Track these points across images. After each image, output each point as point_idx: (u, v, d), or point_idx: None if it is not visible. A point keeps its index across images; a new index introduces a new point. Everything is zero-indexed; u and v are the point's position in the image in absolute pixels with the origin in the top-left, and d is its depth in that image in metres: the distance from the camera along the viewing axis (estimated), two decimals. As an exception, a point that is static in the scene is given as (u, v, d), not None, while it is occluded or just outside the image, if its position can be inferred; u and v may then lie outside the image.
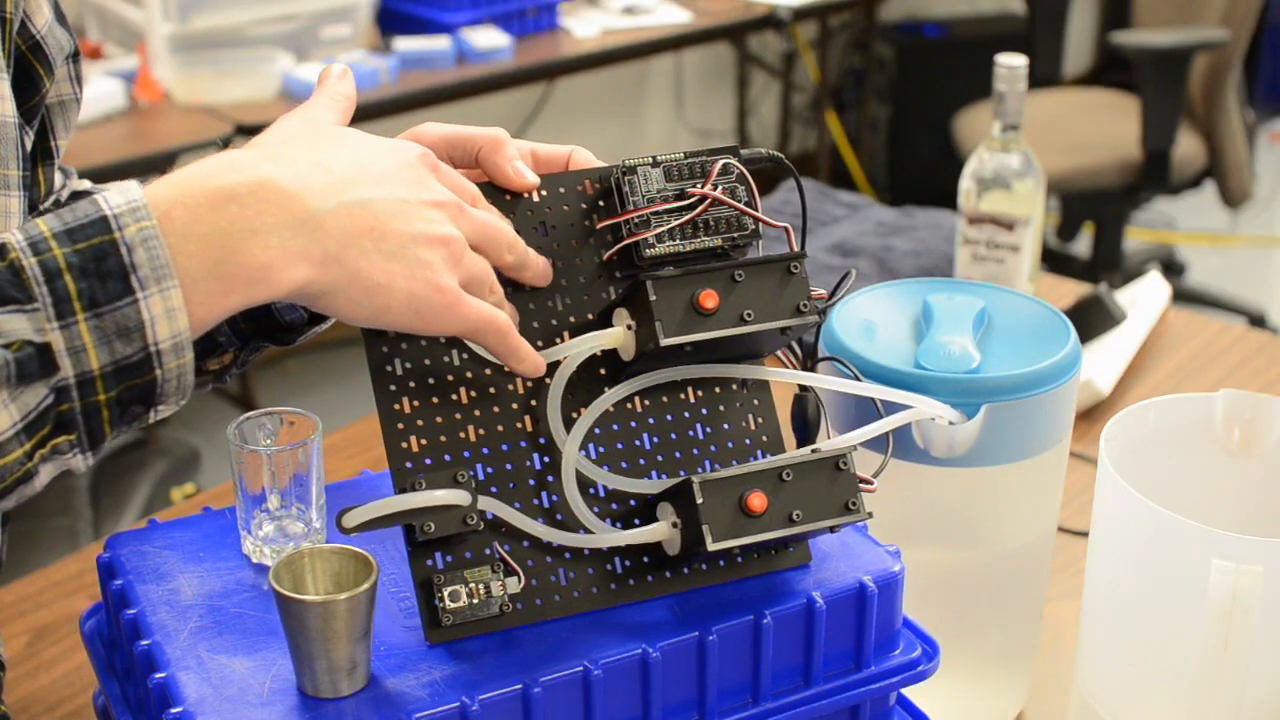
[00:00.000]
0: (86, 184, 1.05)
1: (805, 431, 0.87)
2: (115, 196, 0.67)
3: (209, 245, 0.67)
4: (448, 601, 0.75)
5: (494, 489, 0.78)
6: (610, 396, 0.80)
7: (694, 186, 0.82)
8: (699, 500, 0.75)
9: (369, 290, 0.70)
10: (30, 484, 0.67)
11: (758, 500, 0.76)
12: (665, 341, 0.76)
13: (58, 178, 1.02)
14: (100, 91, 2.56)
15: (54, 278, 0.65)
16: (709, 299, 0.76)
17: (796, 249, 0.81)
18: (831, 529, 0.78)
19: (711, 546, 0.75)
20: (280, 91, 2.76)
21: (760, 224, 0.83)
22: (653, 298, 0.76)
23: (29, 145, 0.92)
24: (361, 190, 0.71)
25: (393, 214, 0.71)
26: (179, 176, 0.69)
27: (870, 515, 0.78)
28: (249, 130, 2.65)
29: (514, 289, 0.81)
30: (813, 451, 0.79)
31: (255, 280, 0.68)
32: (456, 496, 0.74)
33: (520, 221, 0.82)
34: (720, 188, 0.82)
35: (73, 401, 0.66)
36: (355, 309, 0.71)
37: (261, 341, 0.95)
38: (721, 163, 0.82)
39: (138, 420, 0.69)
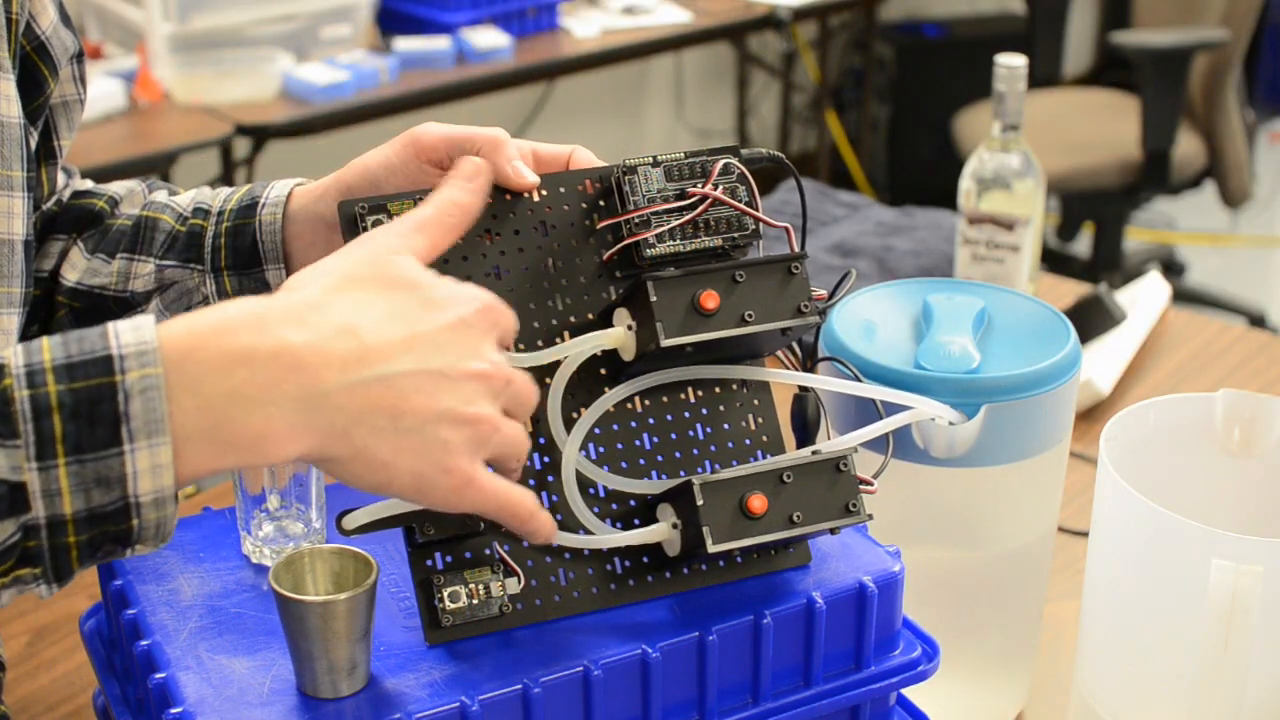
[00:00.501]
0: (88, 184, 1.05)
1: (805, 431, 0.87)
2: (127, 334, 0.64)
3: (209, 408, 0.64)
4: (447, 602, 0.75)
5: (494, 489, 0.78)
6: (611, 397, 0.80)
7: (695, 186, 0.82)
8: (699, 502, 0.75)
9: (371, 467, 0.67)
10: None
11: (758, 502, 0.76)
12: (666, 342, 0.76)
13: (60, 177, 1.02)
14: (100, 91, 2.56)
15: (42, 416, 0.62)
16: (710, 299, 0.76)
17: (797, 249, 0.81)
18: (832, 531, 0.78)
19: (712, 548, 0.75)
20: (280, 91, 2.76)
21: (761, 224, 0.83)
22: (653, 298, 0.76)
23: (33, 146, 0.92)
24: (389, 364, 0.66)
25: (418, 390, 0.66)
26: (198, 323, 0.65)
27: (870, 517, 0.78)
28: (249, 130, 2.66)
29: (514, 288, 0.81)
30: (813, 453, 0.79)
31: (251, 449, 0.65)
32: None
33: (520, 221, 0.82)
34: (721, 188, 0.82)
35: (40, 540, 0.64)
36: (356, 481, 0.68)
37: None
38: (722, 163, 0.82)
39: (111, 557, 0.67)
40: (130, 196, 1.01)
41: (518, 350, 0.79)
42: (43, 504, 0.63)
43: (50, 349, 0.64)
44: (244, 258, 0.94)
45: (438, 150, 0.85)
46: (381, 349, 0.66)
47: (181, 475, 0.65)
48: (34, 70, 0.91)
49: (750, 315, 0.77)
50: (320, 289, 0.68)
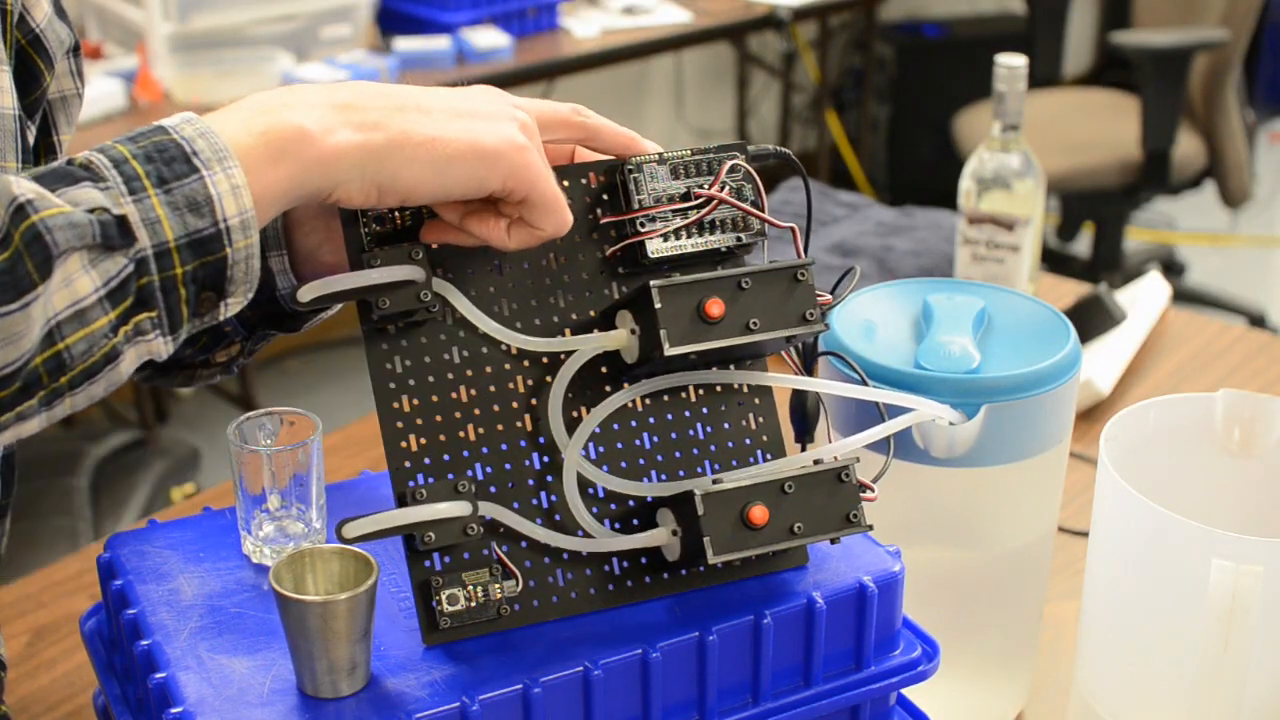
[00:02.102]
0: None
1: (804, 426, 0.87)
2: (169, 120, 0.71)
3: (254, 126, 0.71)
4: (445, 604, 0.75)
5: (493, 489, 0.78)
6: (613, 401, 0.79)
7: (700, 184, 0.82)
8: (700, 512, 0.75)
9: (420, 147, 0.73)
10: (116, 367, 0.69)
11: (759, 512, 0.75)
12: (670, 351, 0.75)
13: None
14: (100, 91, 2.56)
15: (121, 163, 0.68)
16: (715, 306, 0.76)
17: (802, 250, 0.81)
18: (832, 540, 0.78)
19: (712, 559, 0.74)
20: (280, 91, 2.76)
21: (766, 224, 0.82)
22: (658, 305, 0.76)
23: (31, 140, 0.92)
24: (403, 96, 0.75)
25: (436, 106, 0.74)
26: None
27: (871, 527, 0.78)
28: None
29: (515, 283, 0.80)
30: (815, 462, 0.79)
31: (301, 145, 0.70)
32: (458, 509, 0.74)
33: None
34: (726, 187, 0.82)
35: (151, 275, 0.68)
36: (412, 179, 0.73)
37: (268, 330, 0.95)
38: (730, 162, 0.82)
39: (210, 312, 0.71)
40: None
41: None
42: (146, 232, 0.67)
43: (111, 139, 0.70)
44: None
45: None
46: (388, 95, 0.75)
47: (261, 194, 0.70)
48: (29, 64, 0.91)
49: (755, 323, 0.77)
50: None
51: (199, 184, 0.69)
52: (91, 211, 0.66)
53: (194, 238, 0.68)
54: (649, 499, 0.80)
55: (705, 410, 0.83)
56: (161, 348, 0.70)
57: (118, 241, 0.67)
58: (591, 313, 0.81)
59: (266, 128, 0.71)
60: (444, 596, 0.75)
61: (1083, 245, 3.86)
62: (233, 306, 0.71)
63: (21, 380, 0.66)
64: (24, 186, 0.66)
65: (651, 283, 0.76)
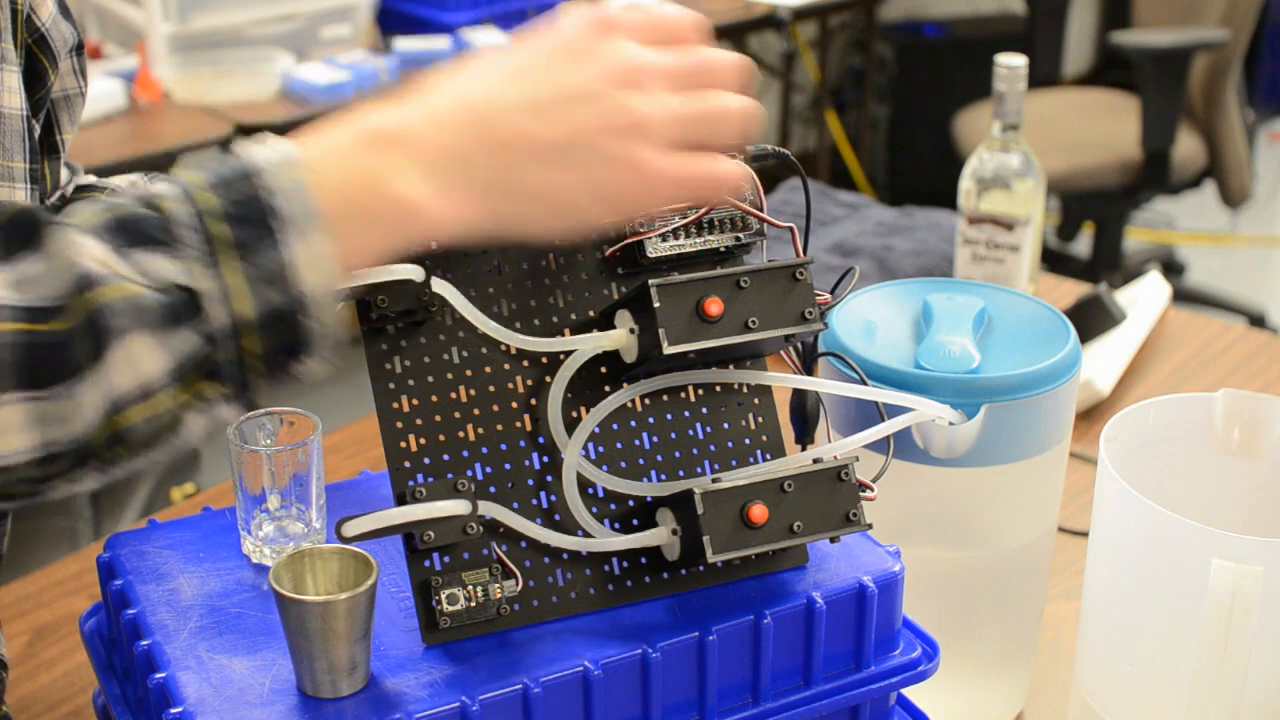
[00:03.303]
0: (92, 178, 1.05)
1: (804, 426, 0.87)
2: (261, 150, 0.67)
3: (358, 190, 0.66)
4: (445, 604, 0.75)
5: (493, 489, 0.78)
6: (612, 401, 0.79)
7: None
8: (700, 511, 0.75)
9: (539, 204, 0.69)
10: (178, 434, 0.66)
11: (759, 511, 0.75)
12: (669, 350, 0.75)
13: (64, 173, 1.03)
14: (100, 91, 2.56)
15: (202, 223, 0.64)
16: (713, 306, 0.76)
17: (801, 250, 0.81)
18: (832, 539, 0.78)
19: (712, 558, 0.75)
20: (280, 91, 2.76)
21: (765, 224, 0.82)
22: (657, 304, 0.76)
23: (36, 138, 0.92)
24: (505, 107, 0.68)
25: (544, 119, 0.68)
26: (325, 127, 0.68)
27: (870, 526, 0.78)
28: (249, 130, 2.65)
29: (514, 283, 0.80)
30: (815, 461, 0.79)
31: (409, 221, 0.67)
32: (457, 507, 0.74)
33: None
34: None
35: (223, 350, 0.65)
36: (537, 225, 0.70)
37: None
38: None
39: (287, 373, 0.68)
40: (132, 189, 1.01)
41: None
42: (221, 308, 0.64)
43: (196, 173, 0.66)
44: None
45: None
46: (491, 98, 0.68)
47: (348, 263, 0.67)
48: (35, 63, 0.91)
49: (754, 322, 0.77)
50: (442, 75, 0.71)
51: (282, 253, 0.64)
52: (158, 289, 0.63)
53: (272, 313, 0.65)
54: (649, 499, 0.80)
55: (705, 410, 0.83)
56: (230, 415, 0.67)
57: (188, 317, 0.64)
58: (591, 313, 0.81)
59: (369, 192, 0.66)
60: (444, 596, 0.75)
61: (1083, 245, 3.86)
62: (312, 366, 0.68)
63: (73, 457, 0.63)
64: (92, 252, 0.63)
65: (650, 281, 0.76)
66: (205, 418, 0.67)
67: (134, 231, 0.64)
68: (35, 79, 0.91)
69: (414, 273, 0.74)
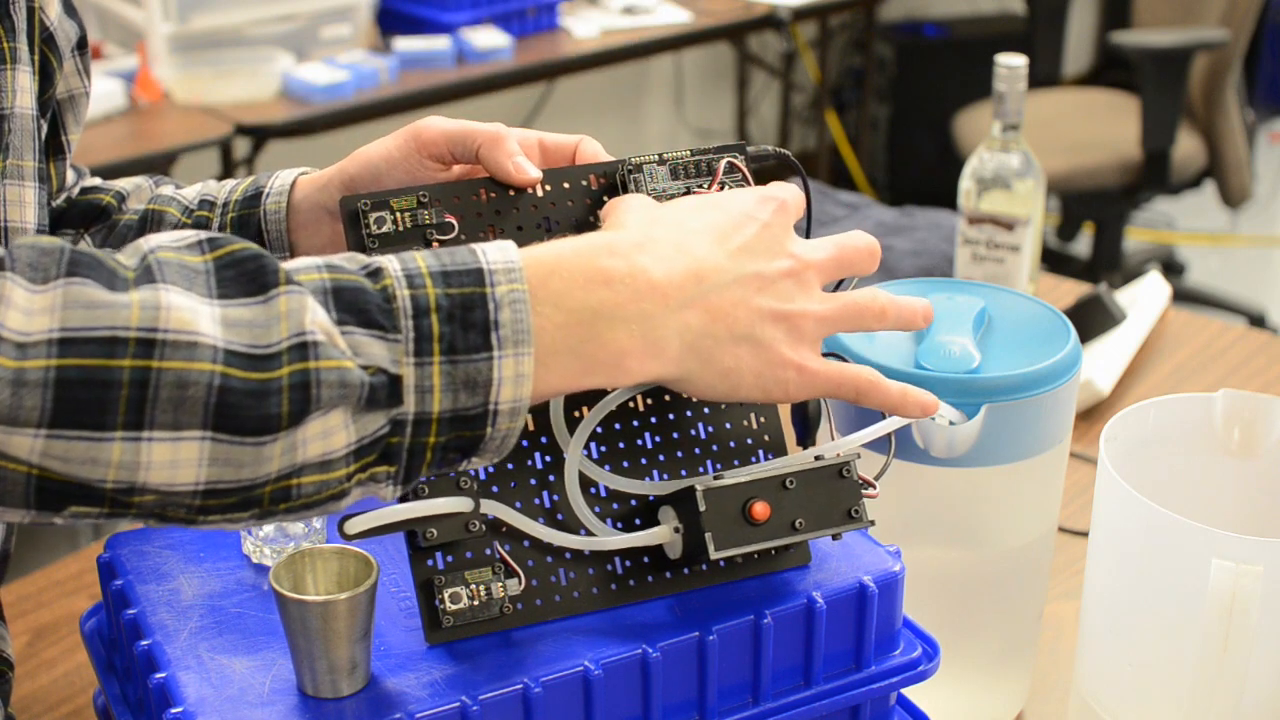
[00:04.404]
0: (97, 180, 1.05)
1: (805, 428, 0.87)
2: (494, 253, 0.67)
3: (575, 323, 0.68)
4: (448, 603, 0.75)
5: (495, 488, 0.78)
6: (614, 398, 0.79)
7: (700, 185, 0.82)
8: (702, 508, 0.75)
9: (719, 376, 0.72)
10: (340, 502, 0.67)
11: (761, 508, 0.76)
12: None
13: (70, 175, 1.03)
14: (100, 91, 2.56)
15: (422, 315, 0.65)
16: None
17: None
18: (834, 536, 0.78)
19: (714, 555, 0.75)
20: (280, 91, 2.76)
21: None
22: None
23: (43, 139, 0.92)
24: (719, 277, 0.72)
25: (743, 298, 0.72)
26: (557, 248, 0.69)
27: (872, 523, 0.78)
28: (249, 130, 2.66)
29: None
30: (816, 459, 0.79)
31: (612, 365, 0.69)
32: (459, 504, 0.74)
33: (524, 217, 0.82)
34: (725, 187, 0.82)
35: (404, 436, 0.66)
36: (709, 392, 0.73)
37: None
38: (725, 161, 0.82)
39: (451, 466, 0.69)
40: (137, 192, 1.02)
41: None
42: (414, 399, 0.65)
43: (424, 258, 0.67)
44: None
45: (438, 145, 0.85)
46: (710, 260, 0.72)
47: (541, 389, 0.68)
48: (44, 62, 0.91)
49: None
50: (644, 220, 0.74)
51: (485, 364, 0.66)
52: (368, 370, 0.64)
53: (458, 414, 0.66)
54: (651, 498, 0.80)
55: (706, 410, 0.83)
56: (390, 494, 0.68)
57: (385, 403, 0.64)
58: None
59: (585, 331, 0.68)
60: (447, 595, 0.75)
61: (1083, 245, 3.86)
62: (477, 464, 0.70)
63: (238, 499, 0.64)
64: (317, 318, 0.63)
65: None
66: (367, 490, 0.67)
67: (356, 308, 0.64)
68: (44, 79, 0.92)
69: None
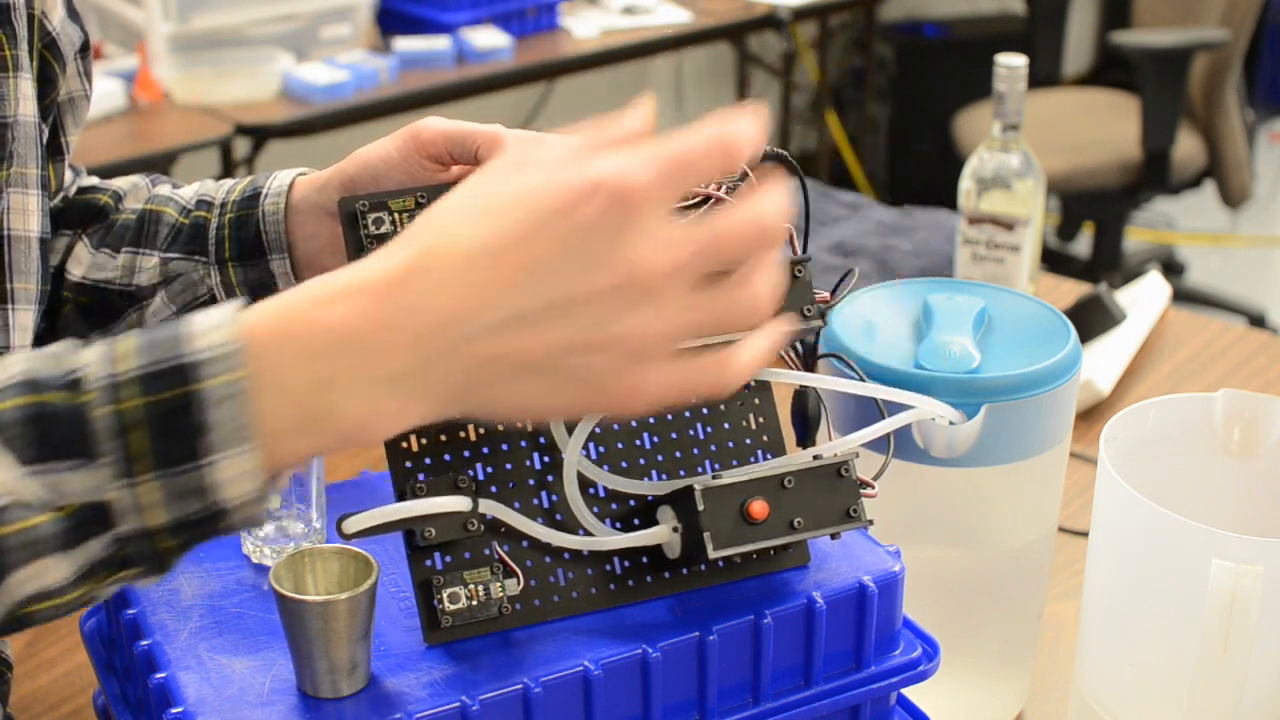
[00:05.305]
0: (94, 180, 1.05)
1: (805, 429, 0.87)
2: (210, 334, 0.60)
3: (304, 403, 0.60)
4: (447, 603, 0.75)
5: (494, 488, 0.78)
6: (611, 396, 0.79)
7: (699, 184, 0.82)
8: (700, 507, 0.75)
9: (516, 409, 0.63)
10: (90, 606, 0.66)
11: (759, 507, 0.75)
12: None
13: (68, 175, 1.03)
14: (100, 91, 2.56)
15: (127, 431, 0.59)
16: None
17: (799, 251, 0.81)
18: (833, 536, 0.78)
19: (713, 554, 0.75)
20: (280, 91, 2.76)
21: None
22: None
23: (45, 144, 0.92)
24: (487, 311, 0.60)
25: (531, 334, 0.60)
26: (287, 304, 0.61)
27: (871, 522, 0.78)
28: (249, 130, 2.66)
29: None
30: (815, 458, 0.79)
31: (358, 433, 0.62)
32: (457, 503, 0.74)
33: None
34: (724, 187, 0.82)
35: (133, 546, 0.62)
36: (510, 421, 0.66)
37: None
38: None
39: (206, 543, 0.65)
40: (134, 191, 1.02)
41: None
42: (132, 519, 0.60)
43: (133, 353, 0.60)
44: (248, 248, 0.94)
45: (437, 146, 0.85)
46: (475, 301, 0.59)
47: (281, 466, 0.62)
48: (46, 68, 0.91)
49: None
50: (437, 230, 0.62)
51: (202, 472, 0.60)
52: (63, 511, 0.59)
53: (186, 521, 0.61)
54: (650, 498, 0.80)
55: (705, 410, 0.83)
56: (146, 583, 0.65)
57: (98, 530, 0.60)
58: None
59: (315, 409, 0.60)
60: (445, 595, 0.75)
61: (1083, 245, 3.86)
62: (237, 529, 0.63)
63: None
64: (4, 480, 0.59)
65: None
66: (118, 588, 0.65)
67: (52, 441, 0.59)
68: (46, 84, 0.92)
69: None
